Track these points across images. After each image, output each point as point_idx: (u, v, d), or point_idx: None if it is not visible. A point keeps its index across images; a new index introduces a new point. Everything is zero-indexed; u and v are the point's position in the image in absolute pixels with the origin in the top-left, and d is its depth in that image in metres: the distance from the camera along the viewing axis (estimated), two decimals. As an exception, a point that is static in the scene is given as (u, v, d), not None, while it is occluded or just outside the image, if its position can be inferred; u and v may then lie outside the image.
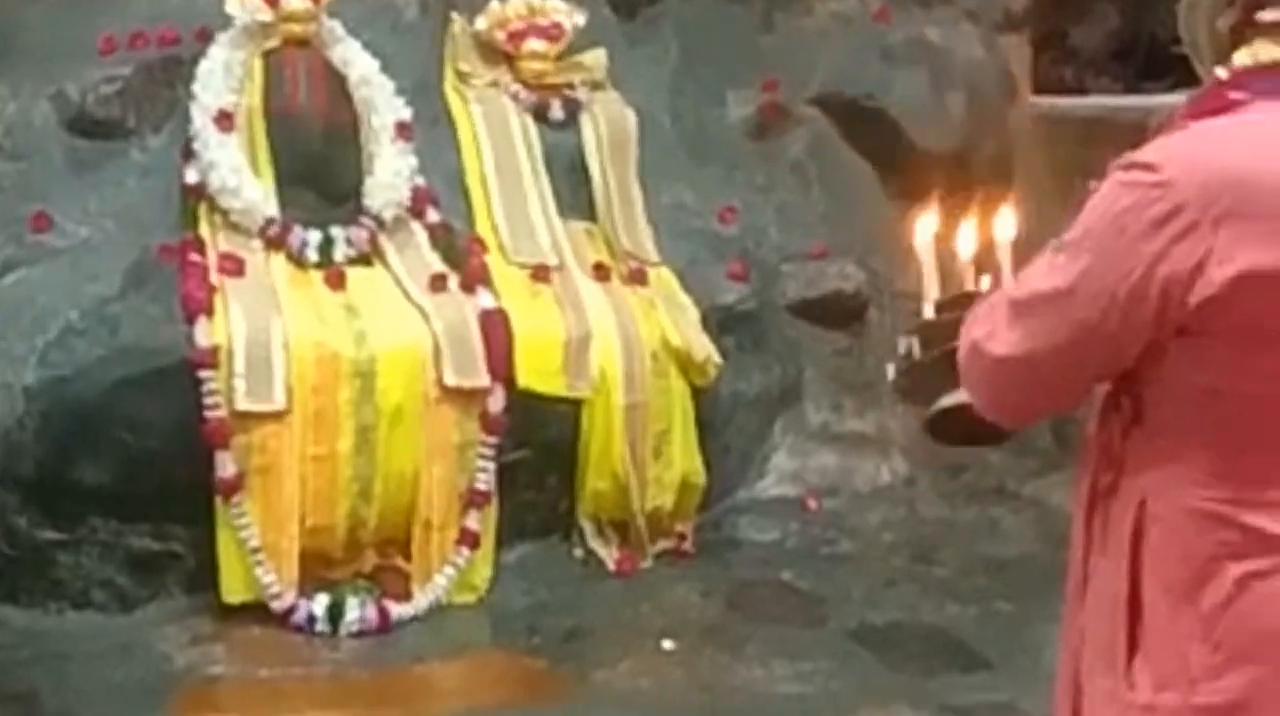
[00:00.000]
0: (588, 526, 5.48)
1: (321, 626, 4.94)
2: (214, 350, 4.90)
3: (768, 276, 6.02)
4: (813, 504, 5.84)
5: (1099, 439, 2.29)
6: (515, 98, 5.89)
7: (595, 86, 6.03)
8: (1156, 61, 8.43)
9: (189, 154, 5.28)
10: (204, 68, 5.35)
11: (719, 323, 5.68)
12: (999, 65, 6.94)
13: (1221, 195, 2.06)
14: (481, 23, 5.93)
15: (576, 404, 5.37)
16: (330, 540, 5.03)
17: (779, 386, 5.95)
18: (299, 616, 4.94)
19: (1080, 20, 9.29)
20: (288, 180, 5.34)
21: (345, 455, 4.99)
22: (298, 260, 5.23)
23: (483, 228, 5.61)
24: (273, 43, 5.48)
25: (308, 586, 4.98)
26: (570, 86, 5.98)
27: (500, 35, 5.91)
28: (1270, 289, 2.06)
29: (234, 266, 5.10)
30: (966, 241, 2.51)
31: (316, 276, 5.22)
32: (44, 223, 5.17)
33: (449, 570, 5.15)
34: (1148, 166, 2.11)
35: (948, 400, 2.42)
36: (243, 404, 4.89)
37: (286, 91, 5.44)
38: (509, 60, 5.94)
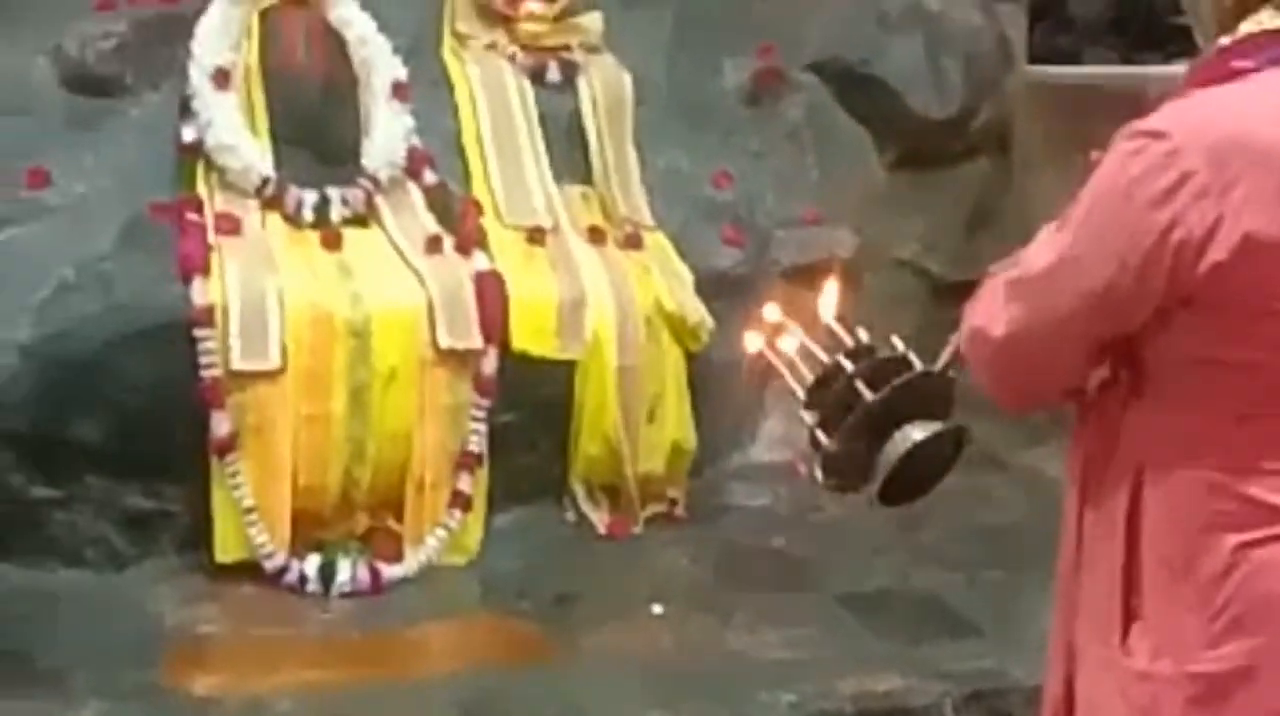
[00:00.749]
0: (579, 490, 5.48)
1: (313, 586, 4.94)
2: (210, 309, 4.89)
3: (762, 242, 6.01)
4: (803, 470, 5.83)
5: (1095, 409, 2.30)
6: (512, 59, 5.88)
7: (591, 50, 6.01)
8: (1153, 31, 8.43)
9: (186, 112, 5.26)
10: (204, 25, 5.32)
11: (712, 287, 5.67)
12: (996, 32, 6.91)
13: (1231, 160, 2.06)
14: (480, -16, 5.91)
15: (569, 367, 5.37)
16: (323, 500, 5.04)
17: (772, 352, 5.93)
18: (291, 576, 4.94)
19: (1078, -12, 9.28)
20: (284, 140, 5.31)
21: (339, 416, 4.99)
22: (294, 220, 5.21)
23: (478, 190, 5.60)
24: (271, 0, 5.46)
25: (300, 546, 4.98)
26: (567, 49, 5.96)
27: (498, -4, 5.90)
28: (1276, 254, 2.06)
29: (230, 226, 5.09)
30: (827, 304, 2.54)
31: (312, 236, 5.20)
32: (40, 179, 5.15)
33: (440, 532, 5.16)
34: (1155, 134, 2.11)
35: (881, 471, 2.41)
36: (238, 363, 4.87)
37: (284, 50, 5.41)
38: (506, 22, 5.92)
